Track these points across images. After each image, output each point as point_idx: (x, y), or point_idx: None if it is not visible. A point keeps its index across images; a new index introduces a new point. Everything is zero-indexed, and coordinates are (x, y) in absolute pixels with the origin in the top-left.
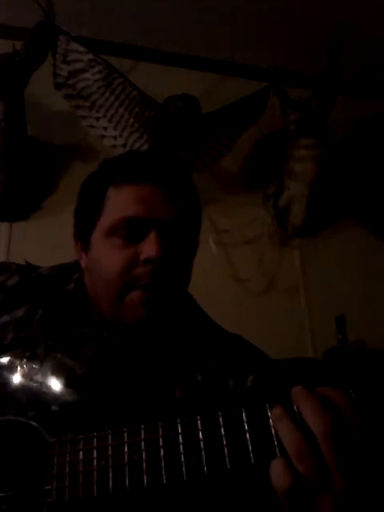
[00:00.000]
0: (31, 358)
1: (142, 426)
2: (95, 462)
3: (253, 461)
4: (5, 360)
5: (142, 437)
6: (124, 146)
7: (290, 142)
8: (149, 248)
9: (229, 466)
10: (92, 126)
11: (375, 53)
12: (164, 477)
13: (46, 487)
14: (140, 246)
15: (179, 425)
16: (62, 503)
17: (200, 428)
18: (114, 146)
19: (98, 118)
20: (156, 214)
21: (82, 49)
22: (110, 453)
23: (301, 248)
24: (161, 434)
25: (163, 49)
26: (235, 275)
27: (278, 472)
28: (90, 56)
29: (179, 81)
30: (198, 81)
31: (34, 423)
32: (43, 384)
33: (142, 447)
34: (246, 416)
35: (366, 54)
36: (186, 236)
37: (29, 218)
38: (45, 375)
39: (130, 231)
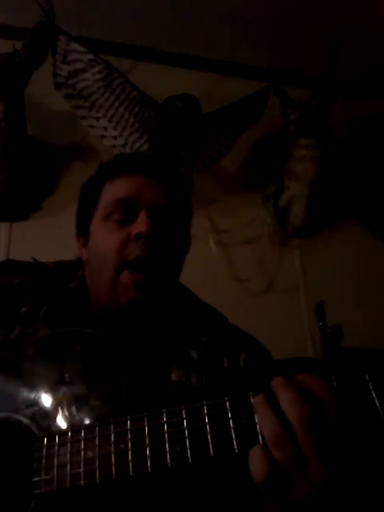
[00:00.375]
0: (25, 355)
1: (128, 417)
2: (82, 453)
3: (236, 449)
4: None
5: (128, 427)
6: (124, 146)
7: (289, 142)
8: (140, 224)
9: (212, 454)
10: (92, 126)
11: (375, 53)
12: (149, 465)
13: (35, 479)
14: (132, 226)
15: (164, 414)
16: (51, 494)
17: (184, 417)
18: (114, 145)
19: (98, 118)
20: (146, 197)
21: (82, 49)
22: (96, 443)
23: (301, 248)
24: (146, 423)
25: (163, 49)
26: (235, 275)
27: (255, 459)
28: (90, 56)
29: (179, 81)
30: (197, 81)
31: (24, 420)
32: (36, 379)
33: (128, 437)
34: (229, 405)
35: (366, 53)
36: (175, 221)
37: (29, 218)
38: (38, 370)
39: (122, 213)
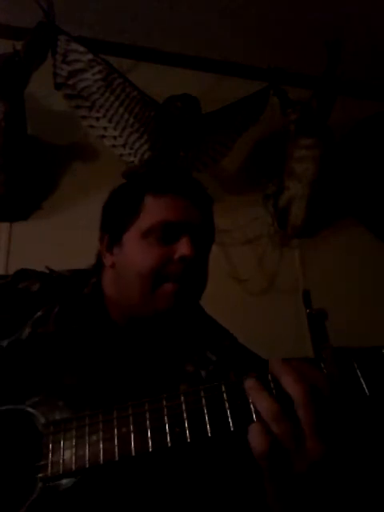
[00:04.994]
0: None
1: (130, 402)
2: (87, 437)
3: (232, 427)
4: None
5: (130, 412)
6: (124, 146)
7: (289, 142)
8: (185, 248)
9: (210, 434)
10: (92, 126)
11: (375, 53)
12: (150, 445)
13: (42, 463)
14: (174, 247)
15: (164, 399)
16: (57, 477)
17: (182, 400)
18: (114, 145)
19: (98, 118)
20: (189, 220)
21: (82, 49)
22: (100, 427)
23: (301, 248)
24: (147, 408)
25: (163, 49)
26: (235, 275)
27: (255, 435)
28: (90, 56)
29: (179, 81)
30: (197, 81)
31: (30, 409)
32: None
33: (130, 421)
34: (224, 387)
35: (366, 53)
36: (207, 241)
37: (29, 218)
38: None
39: (165, 233)
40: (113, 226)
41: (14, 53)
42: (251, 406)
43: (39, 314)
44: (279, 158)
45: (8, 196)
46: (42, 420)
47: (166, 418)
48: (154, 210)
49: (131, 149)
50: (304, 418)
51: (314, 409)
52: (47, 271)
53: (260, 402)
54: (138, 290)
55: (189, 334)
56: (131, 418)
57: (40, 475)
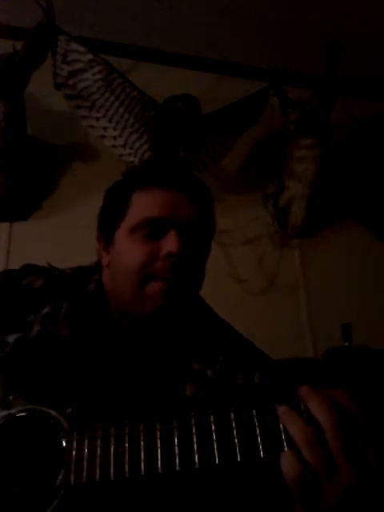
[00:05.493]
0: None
1: (157, 417)
2: (112, 447)
3: (262, 454)
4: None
5: (158, 427)
6: (124, 146)
7: (289, 142)
8: (170, 243)
9: (239, 458)
10: (92, 126)
11: (375, 53)
12: (177, 464)
13: (65, 470)
14: (161, 243)
15: (192, 418)
16: (79, 485)
17: (212, 421)
18: (114, 145)
19: (98, 118)
20: (177, 215)
21: (82, 49)
22: (126, 440)
23: (301, 248)
24: (175, 425)
25: (163, 49)
26: (235, 275)
27: (288, 462)
28: (90, 56)
29: (179, 81)
30: (197, 81)
31: (53, 412)
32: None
33: (157, 436)
34: (256, 412)
35: (365, 53)
36: (203, 237)
37: (29, 218)
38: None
39: (152, 229)
40: (106, 225)
41: (14, 53)
42: (283, 433)
43: (47, 310)
44: (279, 158)
45: (8, 196)
46: (65, 424)
47: (194, 438)
48: (139, 206)
49: (131, 149)
50: (334, 446)
51: (343, 437)
52: (49, 267)
53: (293, 428)
54: (128, 288)
55: (194, 331)
56: (158, 433)
57: (62, 482)
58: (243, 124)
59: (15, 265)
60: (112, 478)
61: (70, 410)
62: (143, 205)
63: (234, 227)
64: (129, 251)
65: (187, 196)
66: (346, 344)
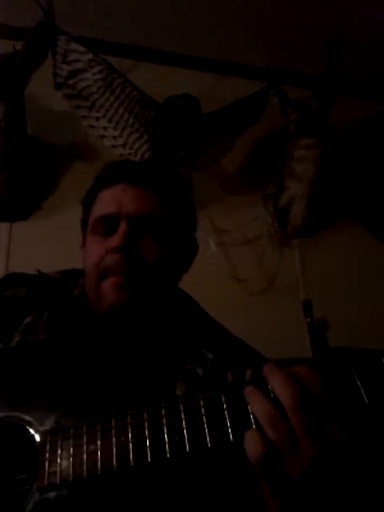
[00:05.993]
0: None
1: (128, 412)
2: (85, 446)
3: (231, 437)
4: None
5: (128, 421)
6: (124, 146)
7: (289, 142)
8: (114, 239)
9: (209, 444)
10: (92, 126)
11: (375, 53)
12: (148, 455)
13: (39, 472)
14: (111, 239)
15: (163, 408)
16: (54, 487)
17: (182, 409)
18: (114, 145)
19: (98, 118)
20: (125, 209)
21: (82, 49)
22: (98, 437)
23: (301, 248)
24: (146, 417)
25: (163, 49)
26: (235, 275)
27: (251, 441)
28: (90, 56)
29: (179, 81)
30: (197, 81)
31: (26, 417)
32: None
33: (128, 430)
34: (224, 397)
35: (366, 53)
36: (162, 230)
37: (29, 218)
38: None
39: (106, 227)
40: (82, 234)
41: (14, 53)
42: (251, 415)
43: (28, 320)
44: (279, 157)
45: (8, 196)
46: (39, 428)
47: (164, 428)
48: (98, 205)
49: (131, 149)
50: (295, 422)
51: (304, 413)
52: (37, 274)
53: (256, 406)
54: (91, 287)
55: (183, 330)
56: (129, 428)
57: (36, 485)
58: (243, 124)
59: (15, 265)
60: (85, 477)
61: (47, 428)
62: (99, 204)
63: (234, 227)
64: (89, 251)
65: (140, 186)
66: (308, 320)
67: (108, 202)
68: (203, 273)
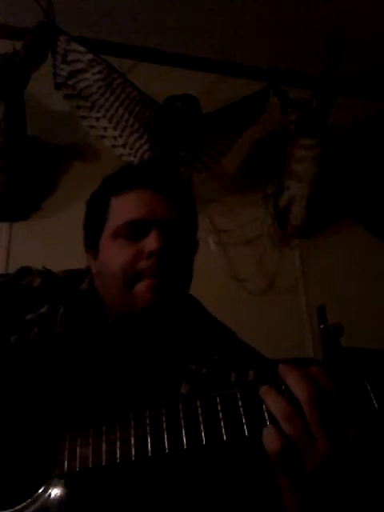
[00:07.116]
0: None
1: (147, 406)
2: (104, 436)
3: (247, 432)
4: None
5: (147, 414)
6: (124, 146)
7: (289, 142)
8: (151, 243)
9: (225, 438)
10: (92, 126)
11: (375, 53)
12: (166, 446)
13: (59, 458)
14: (142, 243)
15: (180, 403)
16: (73, 473)
17: (198, 405)
18: (114, 146)
19: (98, 118)
20: (154, 214)
21: (82, 49)
22: (117, 427)
23: (301, 248)
24: (163, 411)
25: (163, 49)
26: (235, 275)
27: (269, 436)
28: (90, 56)
29: (179, 81)
30: (197, 81)
31: (48, 405)
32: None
33: (147, 422)
34: (240, 395)
35: (366, 53)
36: (184, 232)
37: (29, 218)
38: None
39: (132, 232)
40: (91, 235)
41: (14, 53)
42: (265, 413)
43: (43, 310)
44: (279, 158)
45: (8, 196)
46: (61, 417)
47: (182, 422)
48: (118, 212)
49: (131, 149)
50: (311, 418)
51: (319, 409)
52: (44, 270)
53: (273, 404)
54: (116, 290)
55: (189, 331)
56: (148, 420)
57: (56, 471)
58: (243, 124)
59: (15, 265)
60: (104, 464)
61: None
62: (121, 209)
63: (234, 227)
64: (113, 256)
65: (160, 193)
66: (322, 326)
67: (135, 207)
68: (203, 273)
